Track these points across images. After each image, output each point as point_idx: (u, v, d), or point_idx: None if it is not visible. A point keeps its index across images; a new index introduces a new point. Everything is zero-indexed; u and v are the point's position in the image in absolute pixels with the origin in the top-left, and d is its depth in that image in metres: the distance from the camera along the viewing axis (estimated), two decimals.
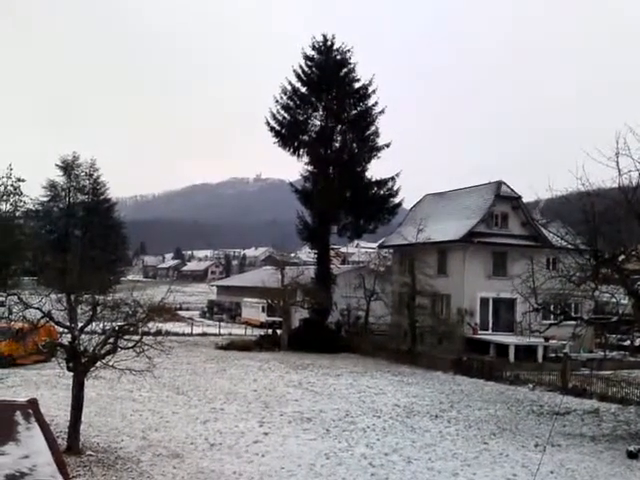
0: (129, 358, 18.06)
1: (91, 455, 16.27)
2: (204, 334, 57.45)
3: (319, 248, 52.98)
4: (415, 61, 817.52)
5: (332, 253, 55.31)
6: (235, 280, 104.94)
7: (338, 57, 52.61)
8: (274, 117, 52.54)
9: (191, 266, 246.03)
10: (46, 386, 26.66)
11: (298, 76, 52.67)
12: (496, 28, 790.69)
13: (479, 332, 44.16)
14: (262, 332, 53.54)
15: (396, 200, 52.73)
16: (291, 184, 56.66)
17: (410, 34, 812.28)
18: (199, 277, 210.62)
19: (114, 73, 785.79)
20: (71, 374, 17.59)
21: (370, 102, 52.29)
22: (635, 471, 17.41)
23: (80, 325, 18.08)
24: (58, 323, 18.43)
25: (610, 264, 22.71)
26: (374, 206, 52.19)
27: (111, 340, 17.46)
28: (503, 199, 46.47)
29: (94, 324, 18.50)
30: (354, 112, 52.65)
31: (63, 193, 79.50)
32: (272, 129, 52.59)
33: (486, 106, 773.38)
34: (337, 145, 52.90)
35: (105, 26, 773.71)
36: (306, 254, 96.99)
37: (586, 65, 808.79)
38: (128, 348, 17.65)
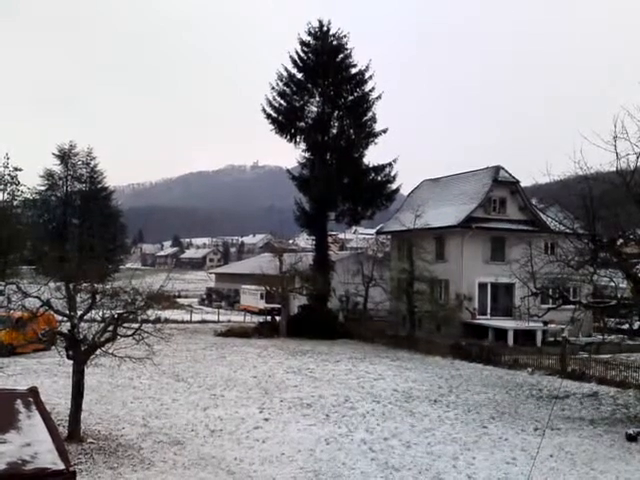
0: (129, 346, 18.07)
1: (92, 443, 16.31)
2: (203, 321, 57.54)
3: (317, 235, 52.94)
4: (413, 47, 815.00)
5: (330, 239, 55.20)
6: (233, 267, 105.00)
7: (334, 43, 52.28)
8: (270, 104, 52.33)
9: (189, 254, 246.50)
10: (46, 374, 26.71)
11: (294, 62, 52.41)
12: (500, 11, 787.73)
13: (477, 317, 44.30)
14: (261, 319, 53.60)
15: (393, 186, 52.59)
16: (288, 171, 56.51)
17: (409, 17, 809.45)
18: (197, 265, 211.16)
19: (111, 64, 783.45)
20: (71, 362, 17.61)
21: (367, 88, 52.09)
22: (634, 454, 17.49)
23: (79, 313, 18.08)
24: (57, 311, 18.42)
25: (608, 248, 22.71)
26: (372, 192, 52.03)
27: (110, 328, 17.47)
28: (501, 184, 46.47)
29: (93, 312, 18.49)
30: (351, 98, 52.38)
31: (60, 182, 79.32)
32: (268, 116, 52.35)
33: (485, 95, 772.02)
34: (334, 131, 52.65)
35: (105, 17, 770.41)
36: (304, 241, 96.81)
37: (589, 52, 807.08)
38: (128, 336, 17.66)
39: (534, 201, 47.57)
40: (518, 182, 46.62)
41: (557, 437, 19.05)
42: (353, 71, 52.31)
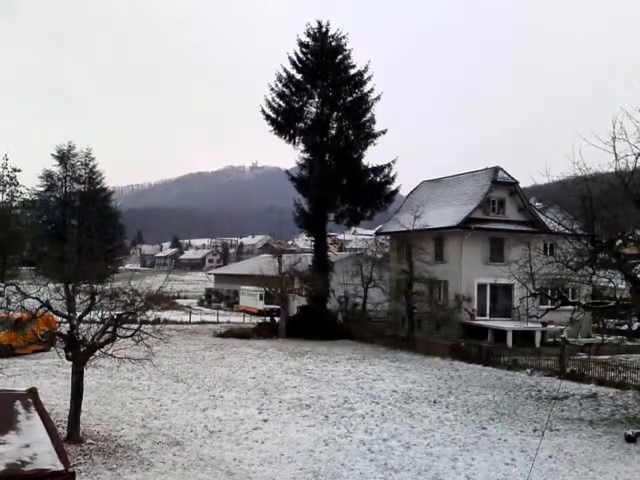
0: (128, 347, 18.08)
1: (91, 444, 16.31)
2: (202, 322, 57.51)
3: (316, 235, 52.89)
4: (414, 47, 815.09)
5: (329, 240, 55.25)
6: (233, 268, 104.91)
7: (333, 44, 52.26)
8: (269, 105, 52.31)
9: (188, 255, 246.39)
10: (45, 375, 26.70)
11: (293, 63, 52.40)
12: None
13: (477, 318, 44.27)
14: (260, 320, 53.57)
15: (393, 187, 52.56)
16: (287, 172, 56.49)
17: (410, 17, 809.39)
18: (197, 265, 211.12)
19: (111, 64, 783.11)
20: (70, 363, 17.61)
21: (366, 89, 52.07)
22: (633, 455, 17.49)
23: (79, 314, 18.08)
24: (57, 312, 18.42)
25: (607, 249, 22.71)
26: (371, 193, 52.01)
27: (110, 329, 17.47)
28: (500, 185, 46.45)
29: (93, 313, 18.50)
30: (350, 99, 52.34)
31: (59, 183, 79.43)
32: (268, 117, 52.32)
33: (485, 95, 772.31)
34: (333, 132, 52.63)
35: (105, 17, 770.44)
36: (303, 242, 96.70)
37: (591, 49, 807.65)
38: (127, 337, 17.66)
39: (532, 200, 47.57)
40: (517, 183, 46.61)
41: (556, 438, 19.06)
42: (352, 72, 52.29)
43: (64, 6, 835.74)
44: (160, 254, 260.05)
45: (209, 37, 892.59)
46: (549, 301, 29.38)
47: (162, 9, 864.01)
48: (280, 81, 52.33)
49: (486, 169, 48.34)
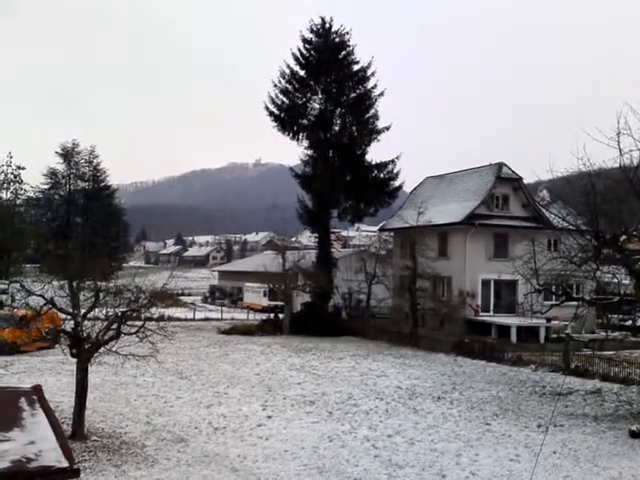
0: (132, 344, 18.14)
1: (96, 440, 16.36)
2: (206, 319, 57.57)
3: (320, 232, 52.91)
4: (414, 46, 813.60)
5: (333, 237, 55.17)
6: (236, 265, 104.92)
7: (337, 40, 52.24)
8: (273, 101, 52.34)
9: (192, 252, 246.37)
10: (50, 372, 26.76)
11: (297, 59, 52.38)
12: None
13: (480, 314, 44.20)
14: (264, 316, 53.60)
15: (396, 183, 52.63)
16: (291, 169, 56.51)
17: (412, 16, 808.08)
18: (200, 262, 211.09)
19: (114, 63, 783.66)
20: (75, 360, 17.66)
21: (369, 85, 52.09)
22: (637, 450, 17.48)
23: (83, 311, 18.13)
24: (61, 310, 18.48)
25: (611, 244, 22.67)
26: (374, 189, 52.03)
27: (114, 326, 17.51)
28: (504, 180, 46.31)
29: (97, 310, 18.55)
30: (353, 95, 52.35)
31: (63, 181, 79.43)
32: (271, 113, 52.35)
33: (487, 93, 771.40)
34: (336, 128, 52.64)
35: (105, 17, 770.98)
36: (307, 238, 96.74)
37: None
38: (131, 334, 17.73)
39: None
40: (521, 179, 46.47)
41: (560, 434, 19.06)
42: (355, 68, 52.32)
43: (64, 6, 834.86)
44: (164, 251, 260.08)
45: (209, 37, 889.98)
46: (553, 297, 29.36)
47: (162, 9, 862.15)
48: (283, 77, 52.38)
49: (490, 165, 48.21)
